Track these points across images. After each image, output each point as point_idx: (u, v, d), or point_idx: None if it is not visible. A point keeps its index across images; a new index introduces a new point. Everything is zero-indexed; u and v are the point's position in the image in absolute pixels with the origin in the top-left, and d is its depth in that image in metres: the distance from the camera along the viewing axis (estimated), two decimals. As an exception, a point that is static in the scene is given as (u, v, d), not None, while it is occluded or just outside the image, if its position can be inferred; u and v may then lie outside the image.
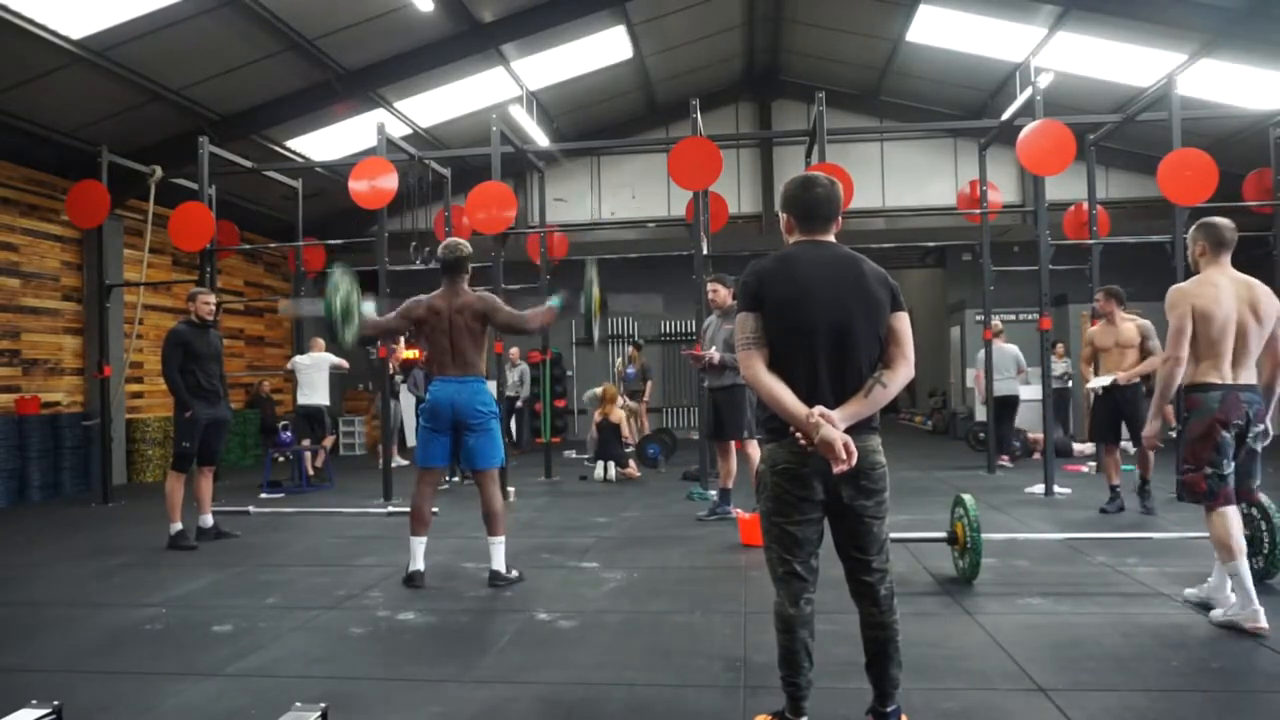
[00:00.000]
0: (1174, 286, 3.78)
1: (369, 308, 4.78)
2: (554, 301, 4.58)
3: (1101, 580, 4.37)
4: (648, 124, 14.04)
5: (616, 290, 4.79)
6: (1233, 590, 3.59)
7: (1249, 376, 3.63)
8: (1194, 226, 3.82)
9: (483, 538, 5.46)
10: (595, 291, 4.62)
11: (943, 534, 4.64)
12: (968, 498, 4.49)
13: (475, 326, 4.57)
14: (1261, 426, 3.64)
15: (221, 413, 6.23)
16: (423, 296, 4.68)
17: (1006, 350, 9.79)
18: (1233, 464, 3.60)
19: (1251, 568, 4.09)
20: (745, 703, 2.90)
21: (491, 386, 5.54)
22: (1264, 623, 3.45)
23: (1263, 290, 3.69)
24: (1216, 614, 3.67)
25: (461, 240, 4.73)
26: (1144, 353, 6.42)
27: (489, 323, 4.61)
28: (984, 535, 4.43)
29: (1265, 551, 4.21)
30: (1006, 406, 9.84)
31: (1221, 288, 3.66)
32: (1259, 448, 3.66)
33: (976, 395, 10.10)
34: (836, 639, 3.17)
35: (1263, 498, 4.23)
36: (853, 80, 13.17)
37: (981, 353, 9.57)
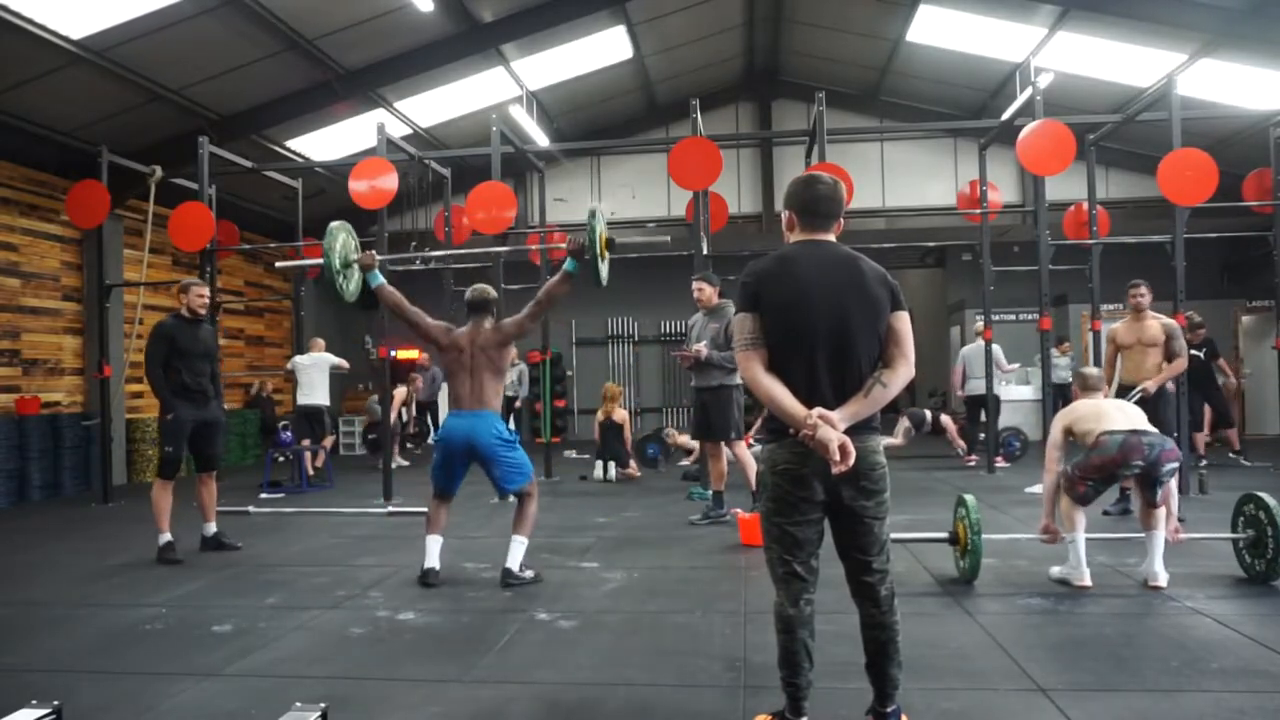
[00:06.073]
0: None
1: (375, 275, 4.85)
2: (568, 265, 4.57)
3: (1101, 580, 4.37)
4: (648, 124, 14.02)
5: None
6: (1070, 558, 4.39)
7: (1146, 425, 4.37)
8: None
9: (483, 537, 5.47)
10: (601, 232, 4.66)
11: (944, 534, 4.65)
12: (969, 498, 4.50)
13: (496, 357, 4.64)
14: (1169, 466, 4.23)
15: (210, 414, 5.77)
16: (454, 327, 4.78)
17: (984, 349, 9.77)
18: (1107, 487, 4.42)
19: (1254, 569, 4.25)
20: (745, 703, 2.90)
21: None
22: (1089, 581, 4.27)
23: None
24: (1054, 570, 4.49)
25: (488, 285, 4.86)
26: (1168, 352, 6.17)
27: (517, 336, 4.69)
28: (984, 535, 4.44)
29: (1269, 556, 4.21)
30: (977, 405, 9.88)
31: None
32: (1165, 481, 4.27)
33: (952, 394, 10.22)
34: (836, 639, 3.16)
35: (1270, 500, 4.24)
36: (853, 80, 13.16)
37: (963, 350, 9.69)
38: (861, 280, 2.46)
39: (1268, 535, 4.22)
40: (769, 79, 13.90)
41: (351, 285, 5.00)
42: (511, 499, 4.79)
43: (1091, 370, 4.84)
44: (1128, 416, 4.41)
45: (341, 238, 4.90)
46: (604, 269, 4.75)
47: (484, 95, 11.15)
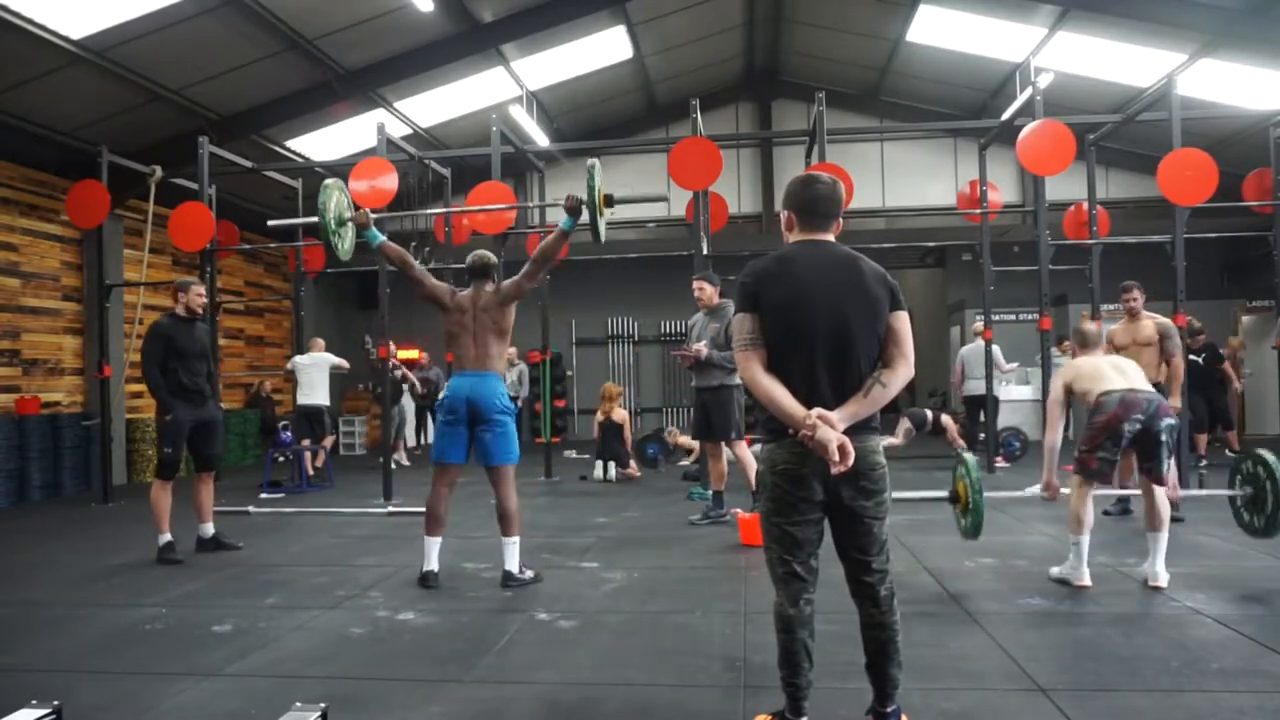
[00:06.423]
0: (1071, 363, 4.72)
1: (375, 234, 4.83)
2: (564, 224, 4.63)
3: (1101, 580, 4.37)
4: (648, 124, 14.02)
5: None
6: (1071, 558, 4.39)
7: (1143, 384, 4.42)
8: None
9: (483, 537, 5.46)
10: (599, 187, 4.68)
11: (944, 493, 4.65)
12: (969, 457, 4.50)
13: (499, 317, 4.64)
14: (1167, 420, 4.25)
15: (208, 413, 5.71)
16: (458, 290, 4.78)
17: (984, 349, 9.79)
18: (1118, 451, 4.29)
19: (1252, 525, 4.43)
20: (745, 703, 2.90)
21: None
22: (1088, 581, 4.28)
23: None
24: (1054, 570, 4.50)
25: (488, 251, 4.86)
26: (1163, 351, 6.23)
27: (516, 297, 4.68)
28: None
29: (1268, 511, 4.21)
30: (976, 405, 9.96)
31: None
32: (1165, 439, 4.26)
33: (953, 394, 10.26)
34: (836, 639, 3.17)
35: (1269, 456, 4.25)
36: (853, 80, 13.16)
37: (962, 350, 9.65)
38: (861, 280, 2.46)
39: (1266, 491, 4.23)
40: (769, 79, 13.89)
41: (346, 243, 5.01)
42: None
43: (1090, 326, 4.80)
44: (1124, 375, 4.43)
45: (335, 195, 4.90)
46: (602, 225, 4.80)
47: (484, 95, 11.15)
